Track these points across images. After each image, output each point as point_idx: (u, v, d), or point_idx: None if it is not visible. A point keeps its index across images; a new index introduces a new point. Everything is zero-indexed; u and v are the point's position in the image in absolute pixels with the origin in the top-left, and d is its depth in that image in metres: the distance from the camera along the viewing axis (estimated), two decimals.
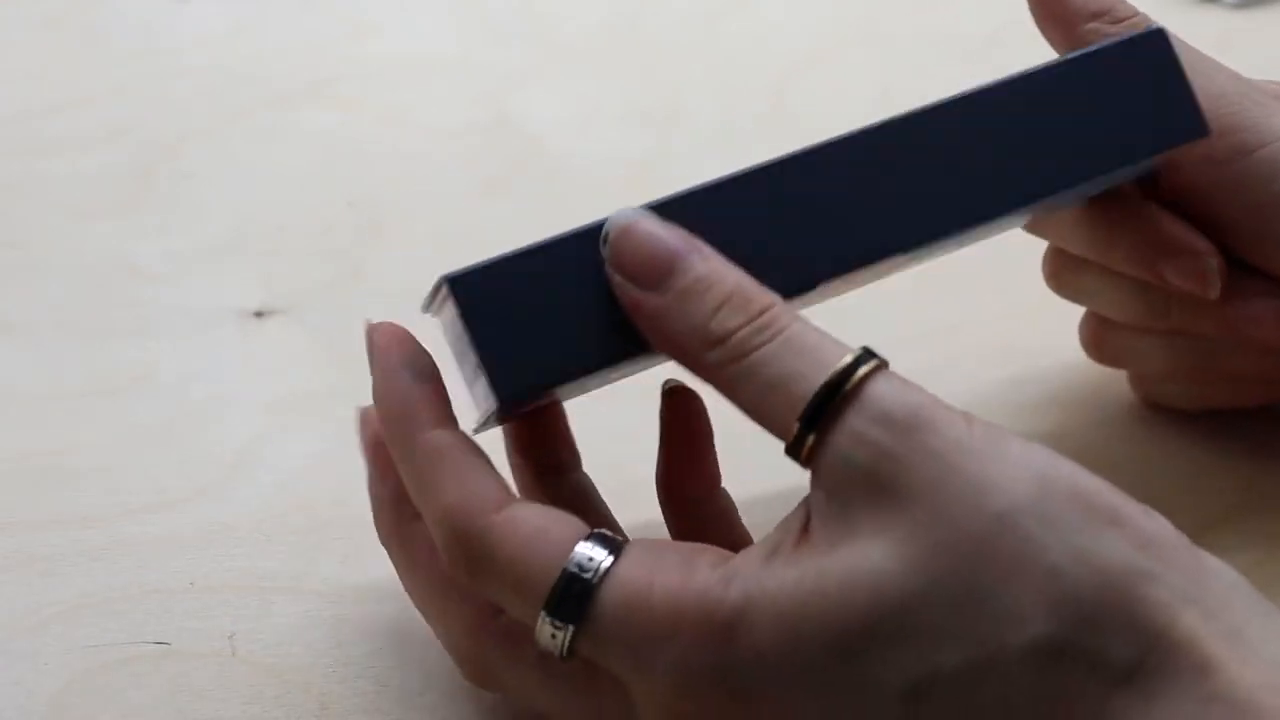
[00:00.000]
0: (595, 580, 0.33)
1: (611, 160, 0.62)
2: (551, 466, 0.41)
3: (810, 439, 0.33)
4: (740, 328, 0.34)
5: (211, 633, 0.43)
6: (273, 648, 0.42)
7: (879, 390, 0.33)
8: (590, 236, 0.37)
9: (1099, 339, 0.49)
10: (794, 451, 0.33)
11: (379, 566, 0.45)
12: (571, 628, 0.33)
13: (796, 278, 0.37)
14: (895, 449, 0.32)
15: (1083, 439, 0.50)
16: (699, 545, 0.35)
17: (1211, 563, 0.32)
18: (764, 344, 0.34)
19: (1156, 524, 0.32)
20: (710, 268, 0.35)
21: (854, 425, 0.32)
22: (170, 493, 0.47)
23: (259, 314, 0.55)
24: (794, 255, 0.37)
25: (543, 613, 0.33)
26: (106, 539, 0.46)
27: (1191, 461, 0.48)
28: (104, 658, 0.42)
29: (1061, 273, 0.48)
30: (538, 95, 0.66)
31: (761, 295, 0.35)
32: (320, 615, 0.43)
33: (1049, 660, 0.30)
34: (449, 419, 0.37)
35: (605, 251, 0.36)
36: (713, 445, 0.41)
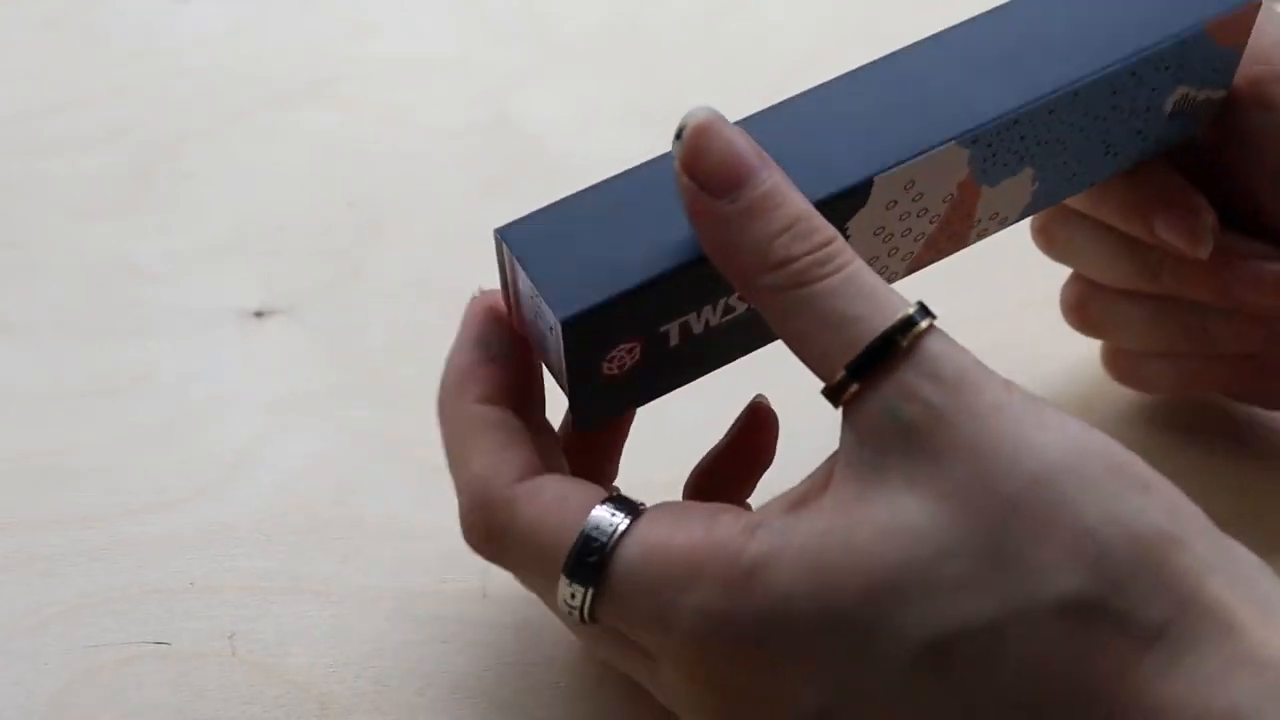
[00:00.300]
0: (612, 541, 0.33)
1: (611, 160, 0.62)
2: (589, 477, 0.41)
3: (854, 387, 0.32)
4: (802, 256, 0.33)
5: (211, 633, 0.43)
6: (273, 648, 0.42)
7: (933, 348, 0.32)
8: (639, 175, 0.37)
9: (1083, 302, 0.48)
10: (833, 395, 0.33)
11: (379, 567, 0.45)
12: (590, 590, 0.33)
13: (855, 172, 0.37)
14: (941, 406, 0.32)
15: None
16: (719, 504, 0.34)
17: (1233, 543, 0.32)
18: (824, 277, 0.33)
19: (1183, 499, 0.32)
20: (780, 188, 0.34)
21: (905, 379, 0.32)
22: (170, 493, 0.47)
23: (259, 314, 0.55)
24: (852, 156, 0.37)
25: (561, 577, 0.33)
26: (106, 539, 0.46)
27: (1191, 464, 0.48)
28: (104, 658, 0.42)
29: (1051, 226, 0.48)
30: (538, 95, 0.66)
31: (826, 227, 0.34)
32: (320, 615, 0.43)
33: (1077, 617, 0.30)
34: (500, 398, 0.37)
35: (676, 148, 0.35)
36: (765, 470, 0.41)
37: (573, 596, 0.33)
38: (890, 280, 0.40)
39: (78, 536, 0.46)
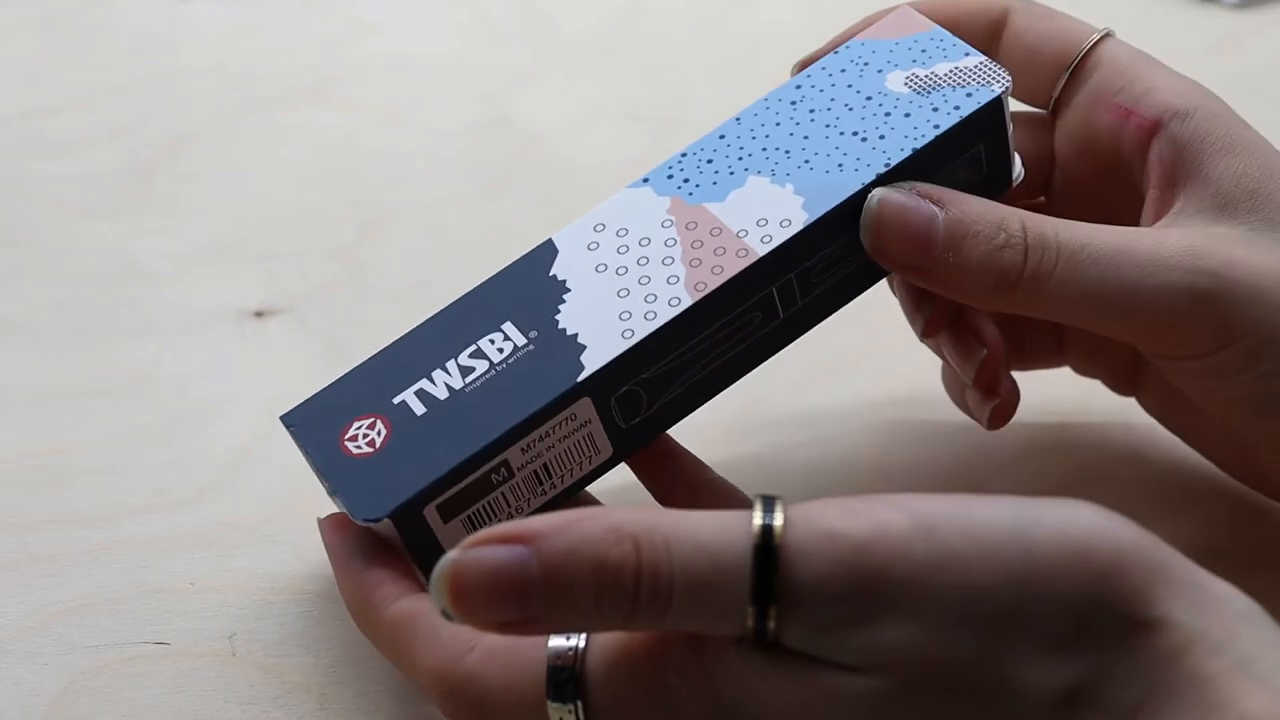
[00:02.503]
0: (578, 657, 0.34)
1: (611, 160, 0.62)
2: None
3: (771, 623, 0.31)
4: (633, 609, 0.31)
5: (211, 633, 0.43)
6: (273, 648, 0.42)
7: (804, 568, 0.30)
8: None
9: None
10: (760, 636, 0.31)
11: None
12: (578, 703, 0.34)
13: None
14: (851, 619, 0.30)
15: (1081, 445, 0.50)
16: None
17: (1219, 589, 0.31)
18: (668, 609, 0.31)
19: (1159, 555, 0.31)
20: (553, 562, 0.31)
21: (806, 620, 0.31)
22: (170, 493, 0.47)
23: (259, 314, 0.55)
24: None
25: (548, 704, 0.34)
26: (106, 539, 0.46)
27: (1191, 467, 0.48)
28: (104, 658, 0.42)
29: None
30: (538, 95, 0.66)
31: (622, 555, 0.31)
32: (320, 615, 0.43)
33: (1059, 711, 0.30)
34: (407, 588, 0.38)
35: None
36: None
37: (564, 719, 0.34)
38: (684, 305, 0.39)
39: (78, 536, 0.46)
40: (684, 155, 0.42)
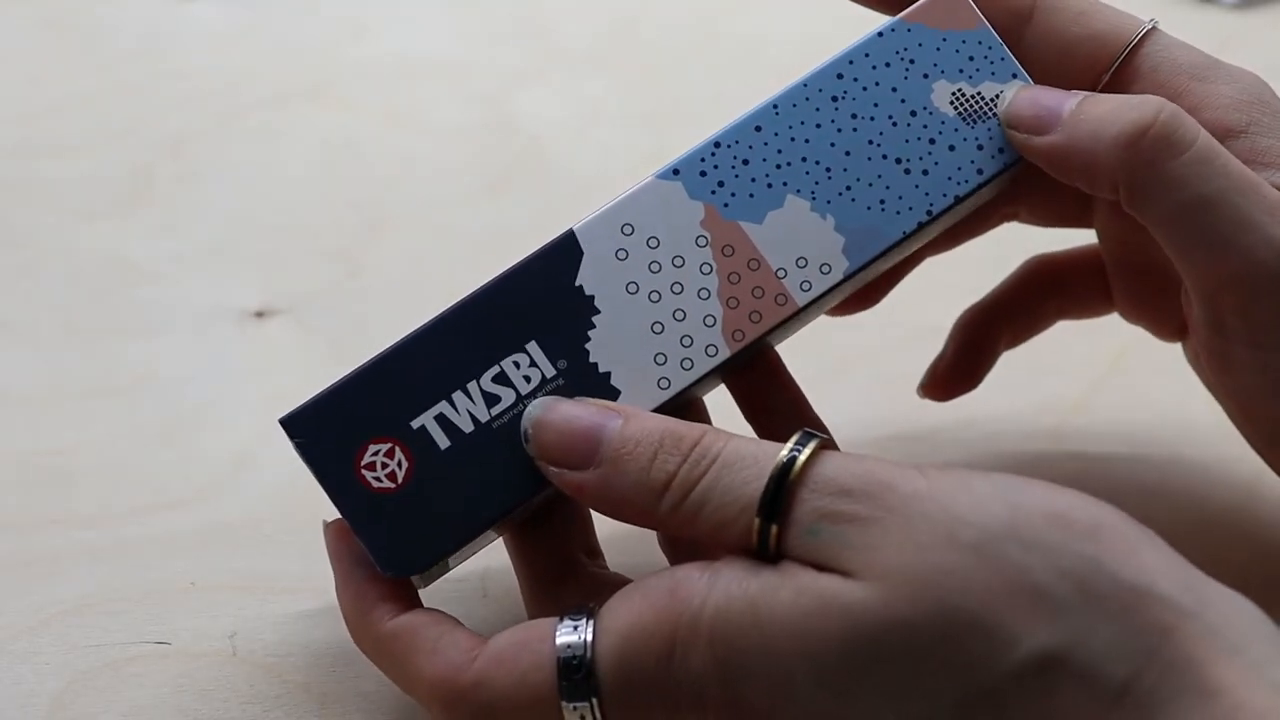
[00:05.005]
0: (588, 648, 0.34)
1: (611, 161, 0.62)
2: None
3: (773, 529, 0.33)
4: (678, 468, 0.34)
5: (212, 633, 0.43)
6: (273, 648, 0.42)
7: (826, 468, 0.33)
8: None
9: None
10: (764, 548, 0.33)
11: None
12: (593, 700, 0.33)
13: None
14: (858, 514, 0.32)
15: (1079, 443, 0.50)
16: (664, 571, 0.35)
17: (1212, 583, 0.31)
18: (705, 471, 0.34)
19: (1141, 538, 0.31)
20: (632, 426, 0.35)
21: (812, 504, 0.33)
22: (170, 493, 0.47)
23: (259, 314, 0.55)
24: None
25: (562, 705, 0.34)
26: (106, 539, 0.46)
27: (1192, 466, 0.48)
28: (104, 658, 0.42)
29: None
30: (538, 96, 0.66)
31: (690, 430, 0.35)
32: (320, 615, 0.43)
33: (1040, 679, 0.30)
34: (407, 600, 0.37)
35: (530, 449, 0.37)
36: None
37: (583, 718, 0.34)
38: (722, 356, 0.38)
39: (78, 536, 0.46)
40: (717, 146, 0.39)
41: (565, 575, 0.38)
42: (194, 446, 0.49)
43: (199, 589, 0.44)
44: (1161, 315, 0.45)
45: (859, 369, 0.52)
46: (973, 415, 0.50)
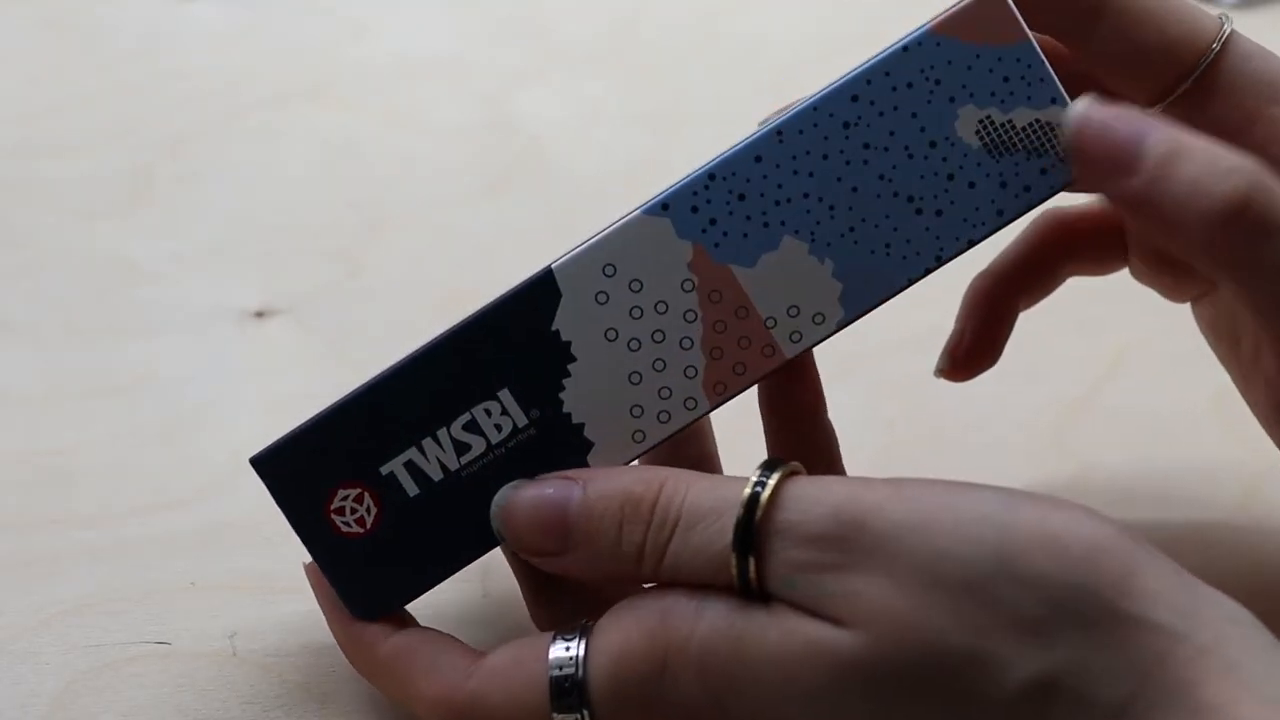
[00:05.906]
0: (580, 665, 0.34)
1: (611, 161, 0.62)
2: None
3: (752, 576, 0.33)
4: (644, 536, 0.34)
5: (212, 633, 0.43)
6: (273, 648, 0.42)
7: (791, 512, 0.33)
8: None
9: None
10: (749, 592, 0.33)
11: None
12: (585, 713, 0.34)
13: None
14: (832, 562, 0.32)
15: (1079, 443, 0.50)
16: (656, 591, 0.35)
17: (1207, 591, 0.31)
18: (671, 535, 0.34)
19: (1140, 552, 0.31)
20: (591, 493, 0.35)
21: (783, 556, 0.33)
22: (170, 493, 0.47)
23: (259, 314, 0.55)
24: None
25: (554, 715, 0.34)
26: (106, 539, 0.46)
27: (1192, 466, 0.48)
28: (104, 658, 0.42)
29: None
30: (538, 95, 0.66)
31: (647, 489, 0.35)
32: (320, 615, 0.43)
33: (1036, 703, 0.30)
34: (398, 619, 0.38)
35: (506, 545, 0.37)
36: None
37: None
38: (701, 410, 0.37)
39: (78, 536, 0.46)
40: (711, 179, 0.36)
41: (564, 576, 0.38)
42: (194, 446, 0.49)
43: (199, 589, 0.44)
44: (1176, 281, 0.44)
45: (860, 372, 0.52)
46: (973, 416, 0.50)
